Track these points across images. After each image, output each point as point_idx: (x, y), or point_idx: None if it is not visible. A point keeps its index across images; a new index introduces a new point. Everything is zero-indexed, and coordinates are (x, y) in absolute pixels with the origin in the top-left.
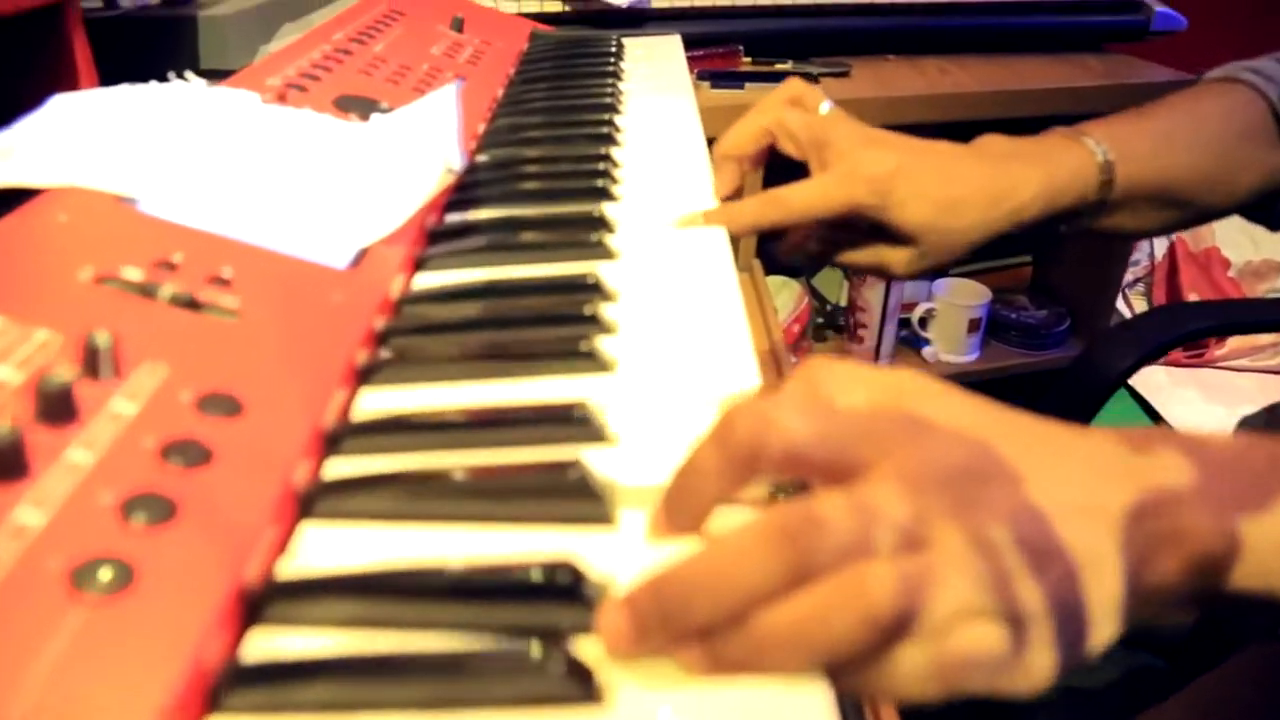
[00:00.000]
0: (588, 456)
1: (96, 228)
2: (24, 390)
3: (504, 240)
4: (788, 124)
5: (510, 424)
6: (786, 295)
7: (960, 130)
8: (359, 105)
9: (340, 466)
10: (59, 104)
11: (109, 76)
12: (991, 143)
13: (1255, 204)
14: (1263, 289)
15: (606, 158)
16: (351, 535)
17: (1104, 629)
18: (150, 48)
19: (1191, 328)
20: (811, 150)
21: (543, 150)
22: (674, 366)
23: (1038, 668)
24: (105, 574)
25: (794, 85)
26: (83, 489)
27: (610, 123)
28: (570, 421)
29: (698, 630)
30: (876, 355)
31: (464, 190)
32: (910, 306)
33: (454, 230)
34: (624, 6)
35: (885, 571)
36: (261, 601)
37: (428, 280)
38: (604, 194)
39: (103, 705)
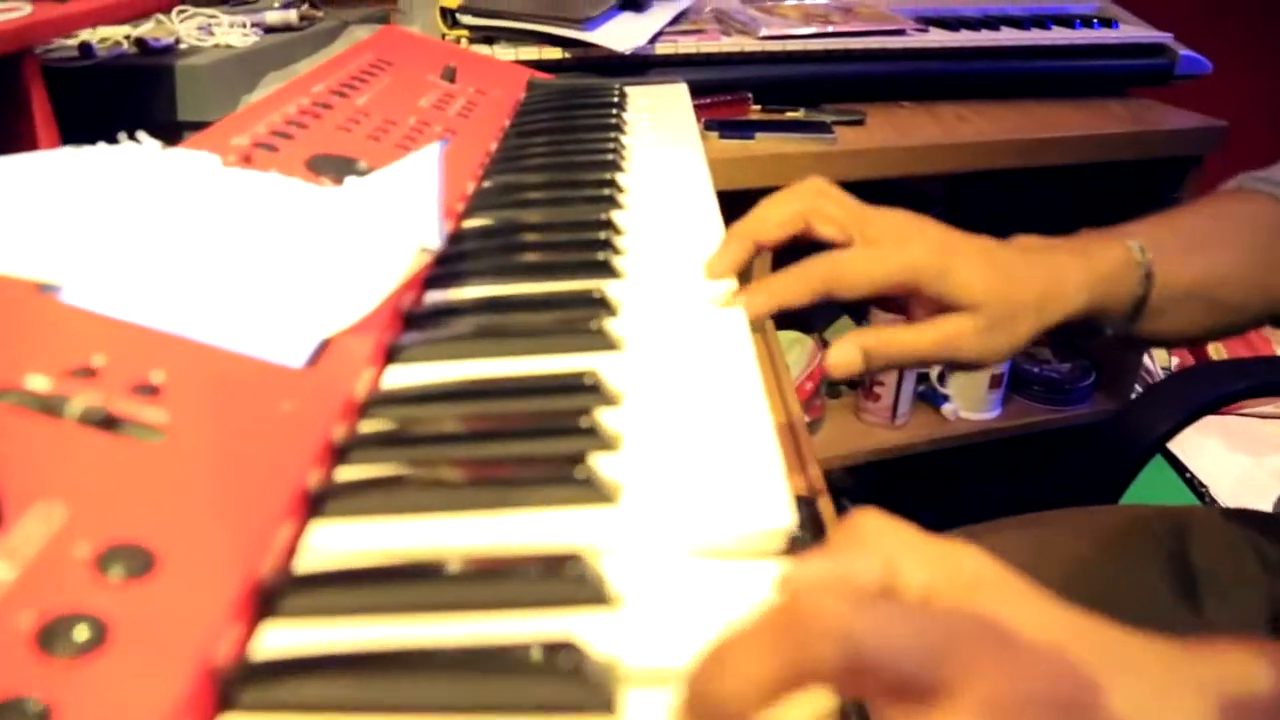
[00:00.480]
0: (585, 626)
1: (3, 324)
2: None
3: (492, 325)
4: (824, 208)
5: (497, 577)
6: (798, 351)
7: (982, 180)
8: (334, 166)
9: (277, 636)
10: None
11: (81, 129)
12: (1028, 240)
13: None
14: None
15: (608, 224)
16: None
17: None
18: (126, 98)
19: (1230, 389)
20: (855, 228)
21: (538, 215)
22: (687, 493)
23: None
24: None
25: (819, 181)
26: None
27: (613, 183)
28: (564, 577)
29: None
30: (894, 413)
31: (448, 263)
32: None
33: (434, 313)
34: (626, 53)
35: None
36: None
37: (401, 376)
38: (606, 268)
39: None
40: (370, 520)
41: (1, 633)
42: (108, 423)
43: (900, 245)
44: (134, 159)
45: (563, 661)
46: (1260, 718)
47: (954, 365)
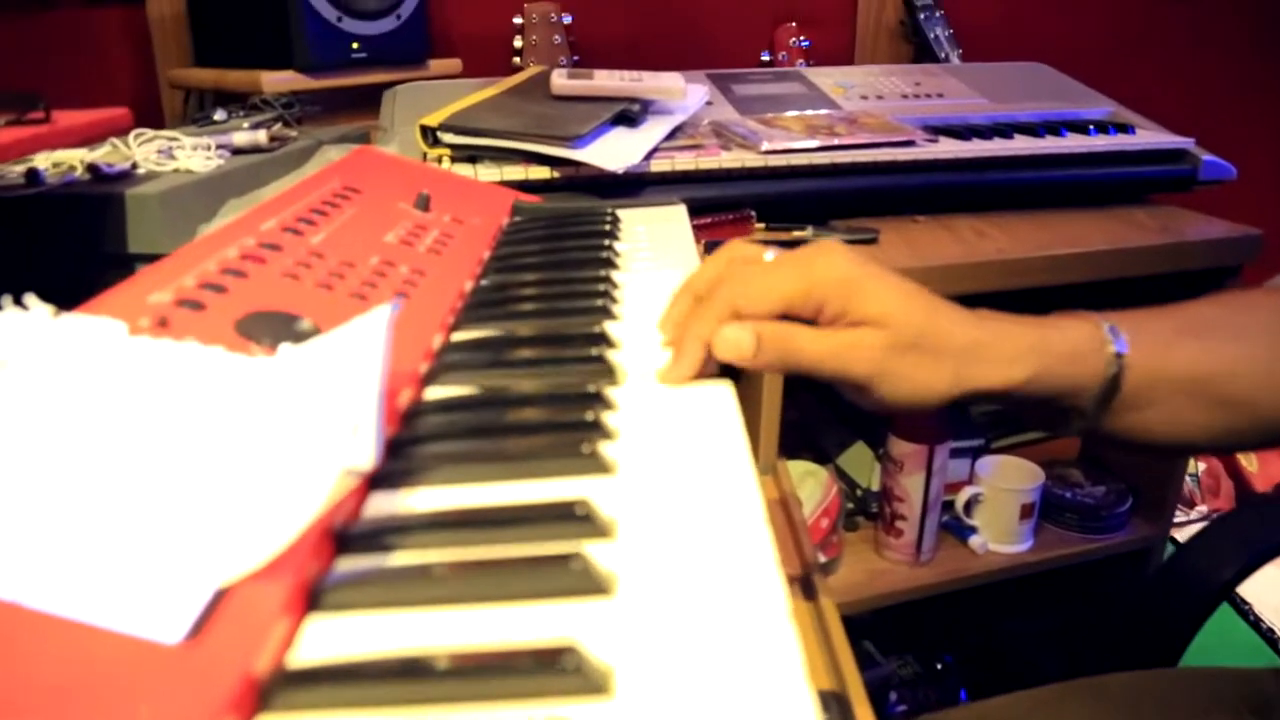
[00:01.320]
0: None
1: None
2: None
3: (456, 547)
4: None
5: None
6: (812, 485)
7: (1005, 299)
8: (270, 327)
9: None
10: None
11: (25, 264)
12: (987, 311)
13: None
14: None
15: (598, 398)
16: None
17: None
18: (72, 230)
19: None
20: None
21: (518, 382)
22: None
23: None
24: None
25: (732, 250)
26: None
27: (603, 338)
28: None
29: None
30: (918, 549)
31: (400, 456)
32: (954, 487)
33: (379, 532)
34: (619, 172)
35: None
36: None
37: (325, 637)
38: (595, 461)
39: None
40: None
41: None
42: None
43: (809, 263)
44: (13, 335)
45: None
46: None
47: (853, 393)
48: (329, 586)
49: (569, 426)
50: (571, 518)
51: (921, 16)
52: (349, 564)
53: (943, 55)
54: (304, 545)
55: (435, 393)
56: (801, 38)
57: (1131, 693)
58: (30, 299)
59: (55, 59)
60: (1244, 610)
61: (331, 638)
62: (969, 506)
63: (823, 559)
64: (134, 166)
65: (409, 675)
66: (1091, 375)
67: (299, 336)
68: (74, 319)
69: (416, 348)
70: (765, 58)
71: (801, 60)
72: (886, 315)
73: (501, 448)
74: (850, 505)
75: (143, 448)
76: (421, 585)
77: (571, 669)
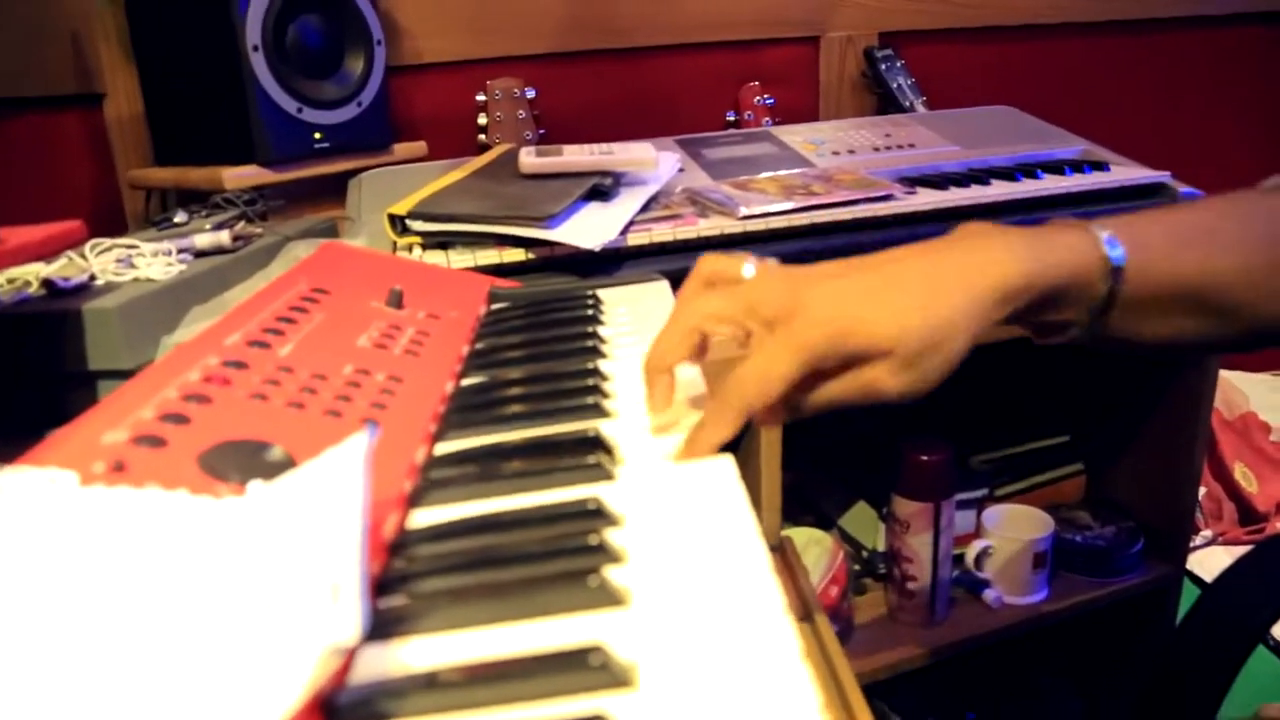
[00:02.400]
0: None
1: None
2: None
3: (461, 700)
4: (713, 311)
5: None
6: (817, 552)
7: (996, 353)
8: (238, 461)
9: None
10: None
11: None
12: (970, 226)
13: None
14: None
15: (599, 513)
16: None
17: None
18: (30, 350)
19: None
20: (747, 317)
21: (512, 499)
22: None
23: None
24: None
25: (705, 264)
26: None
27: (598, 442)
28: None
29: None
30: (932, 610)
31: (388, 593)
32: (962, 540)
33: (363, 703)
34: (596, 250)
35: None
36: None
37: None
38: (604, 594)
39: None
40: None
41: None
42: None
43: (797, 331)
44: None
45: None
46: None
47: (874, 398)
48: None
49: (573, 552)
50: (586, 667)
51: (883, 67)
52: None
53: (907, 104)
54: None
55: (422, 516)
56: (766, 96)
57: None
58: None
59: (15, 164)
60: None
61: None
62: (980, 560)
63: (835, 628)
64: (92, 278)
65: None
66: (1089, 286)
67: (270, 469)
68: (17, 473)
69: (399, 465)
70: (731, 118)
71: (767, 119)
72: (891, 349)
73: (501, 580)
74: (857, 568)
75: (98, 625)
76: None
77: None
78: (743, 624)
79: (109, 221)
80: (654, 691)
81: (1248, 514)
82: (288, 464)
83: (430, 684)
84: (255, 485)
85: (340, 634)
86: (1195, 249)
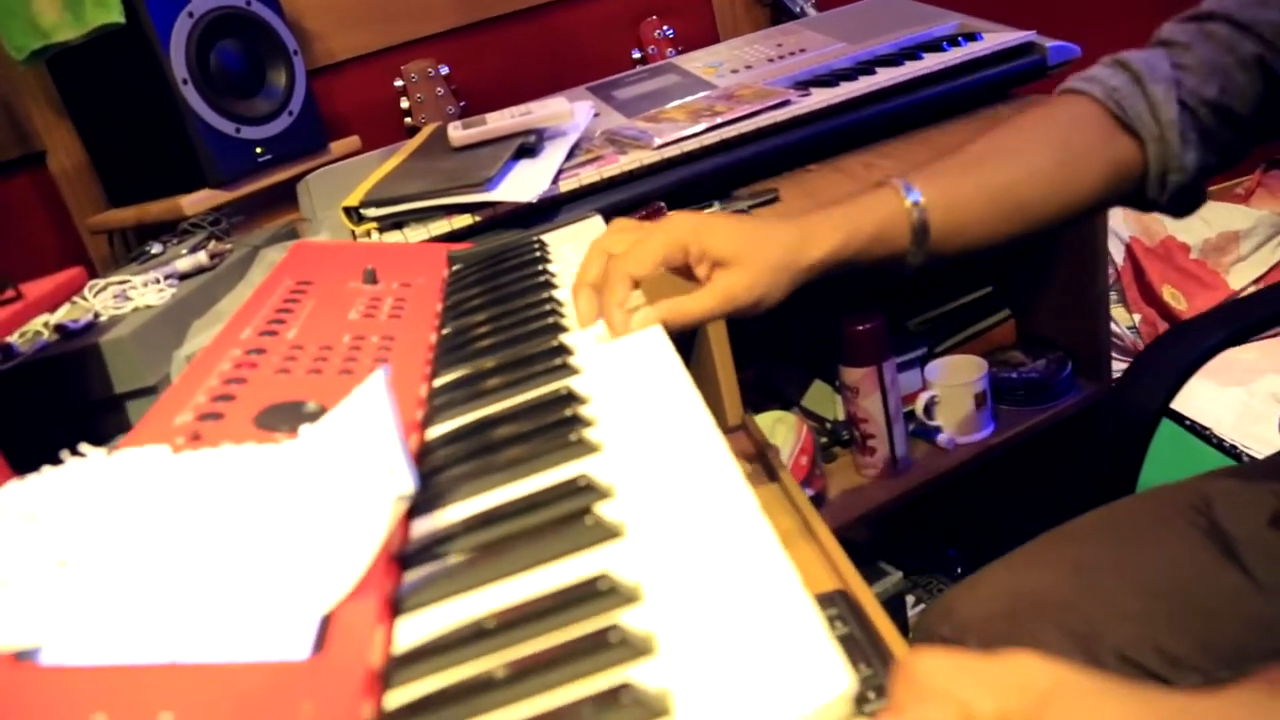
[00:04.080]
0: None
1: None
2: None
3: (485, 542)
4: (616, 238)
5: None
6: (784, 430)
7: None
8: (284, 417)
9: None
10: None
11: (23, 428)
12: (812, 214)
13: (1129, 194)
14: (1227, 261)
15: (571, 397)
16: None
17: None
18: (60, 388)
19: (1211, 343)
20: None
21: (501, 404)
22: (736, 687)
23: None
24: None
25: (613, 227)
26: None
27: (562, 348)
28: None
29: None
30: (894, 461)
31: (423, 485)
32: (911, 397)
33: (427, 545)
34: (533, 201)
35: None
36: None
37: (414, 629)
38: (582, 446)
39: None
40: None
41: None
42: None
43: (663, 225)
44: (82, 476)
45: None
46: None
47: (741, 314)
48: (405, 594)
49: (553, 426)
50: (576, 491)
51: None
52: (414, 575)
53: (798, 9)
54: (377, 568)
55: (435, 431)
56: (665, 28)
57: (1096, 528)
58: (84, 447)
59: None
60: (1189, 425)
61: (419, 628)
62: (929, 409)
63: (810, 493)
64: (96, 316)
65: (485, 637)
66: (903, 222)
67: (311, 417)
68: (124, 452)
69: (409, 398)
70: (637, 55)
71: (670, 49)
72: (735, 253)
73: (498, 461)
74: (824, 440)
75: (233, 523)
76: (470, 574)
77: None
78: (684, 442)
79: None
80: (626, 506)
81: None
82: (322, 413)
83: (465, 530)
84: (304, 429)
85: (403, 488)
86: (987, 165)
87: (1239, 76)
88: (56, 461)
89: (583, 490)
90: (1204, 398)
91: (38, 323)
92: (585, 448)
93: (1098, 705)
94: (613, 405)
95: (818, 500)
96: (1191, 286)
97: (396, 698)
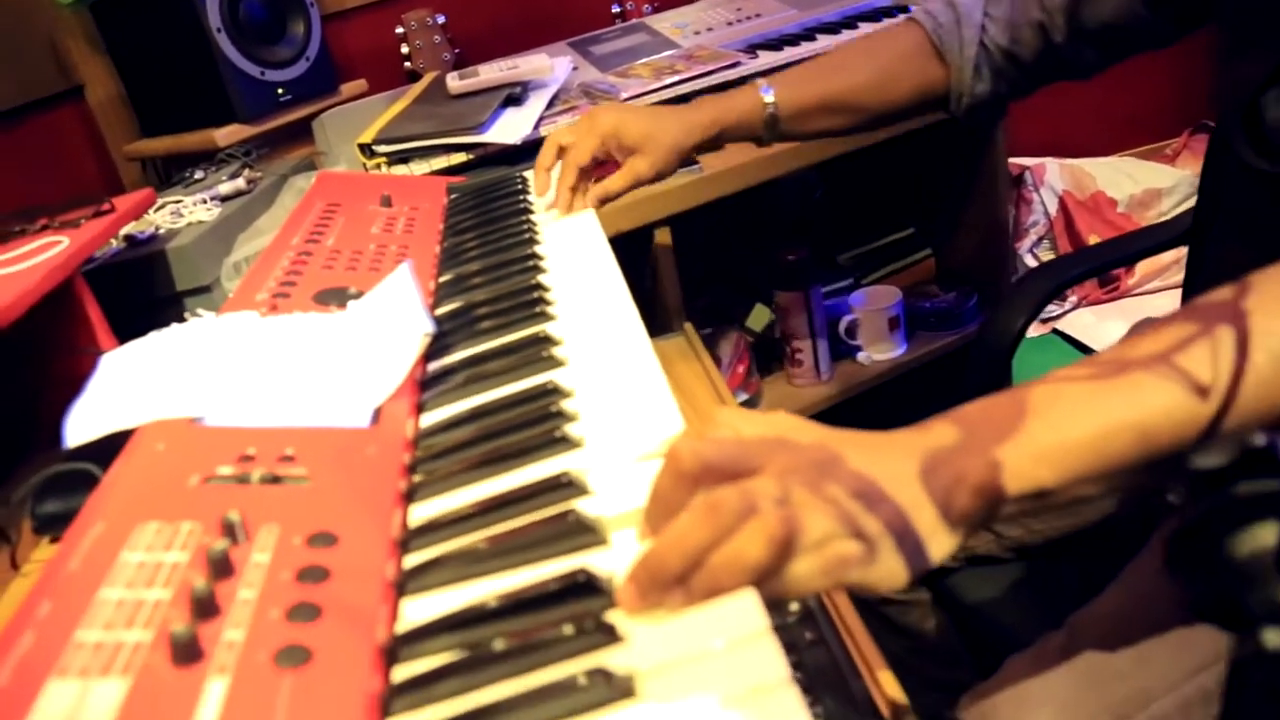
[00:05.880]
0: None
1: (184, 446)
2: (194, 562)
3: (475, 374)
4: (563, 132)
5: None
6: (725, 345)
7: (848, 159)
8: (334, 296)
9: (410, 559)
10: (109, 361)
11: (113, 309)
12: (701, 100)
13: (936, 106)
14: (1151, 215)
15: (539, 286)
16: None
17: (937, 543)
18: (135, 285)
19: (1064, 279)
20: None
21: (486, 294)
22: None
23: (890, 568)
24: (291, 656)
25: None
26: (256, 615)
27: (534, 255)
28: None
29: (676, 579)
30: (818, 371)
31: (435, 339)
32: (837, 322)
33: (436, 376)
34: (518, 143)
35: (769, 517)
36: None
37: (430, 419)
38: (543, 316)
39: None
40: (431, 501)
41: (273, 585)
42: (275, 480)
43: (595, 128)
44: (204, 328)
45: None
46: (943, 456)
47: (646, 184)
48: (425, 400)
49: (524, 305)
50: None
51: None
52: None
53: None
54: (409, 384)
55: (440, 310)
56: None
57: None
58: (202, 310)
59: (34, 159)
60: (1072, 341)
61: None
62: (850, 330)
63: (745, 396)
64: (157, 229)
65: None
66: (760, 116)
67: (354, 297)
68: (228, 315)
69: (426, 284)
70: (616, 10)
71: (647, 5)
72: (640, 142)
73: (483, 325)
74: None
75: (315, 352)
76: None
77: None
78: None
79: (112, 189)
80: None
81: (1105, 279)
82: (360, 295)
83: (460, 366)
84: (351, 304)
85: (426, 329)
86: (829, 75)
87: (1026, 33)
88: None
89: (543, 341)
90: (1113, 335)
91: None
92: (544, 317)
93: (806, 426)
94: (566, 292)
95: (752, 404)
96: (1105, 231)
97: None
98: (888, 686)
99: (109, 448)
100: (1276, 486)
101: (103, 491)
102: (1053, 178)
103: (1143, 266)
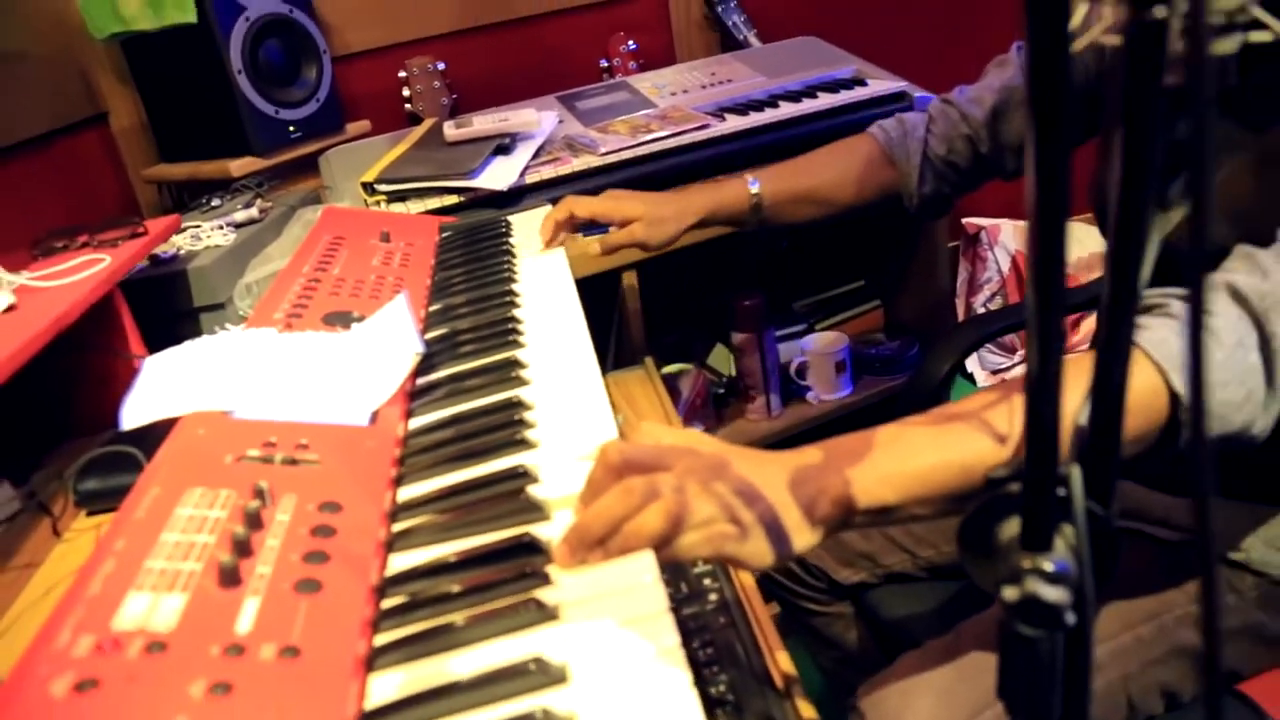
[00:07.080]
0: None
1: (220, 432)
2: (232, 517)
3: (455, 388)
4: (575, 199)
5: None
6: (685, 379)
7: (810, 231)
8: (340, 319)
9: (397, 526)
10: (152, 363)
11: (139, 318)
12: (691, 187)
13: (890, 204)
14: (1093, 277)
15: (513, 320)
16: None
17: (800, 537)
18: (158, 300)
19: (987, 331)
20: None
21: (468, 323)
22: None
23: (759, 549)
24: (307, 586)
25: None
26: (280, 556)
27: (511, 293)
28: (516, 477)
29: (597, 541)
30: (769, 408)
31: (424, 358)
32: (788, 365)
33: (424, 388)
34: (505, 190)
35: (668, 500)
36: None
37: (417, 422)
38: (515, 364)
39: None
40: (420, 481)
41: (294, 537)
42: (293, 462)
43: (606, 194)
44: (232, 340)
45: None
46: (810, 473)
47: (641, 247)
48: (414, 407)
49: (500, 334)
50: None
51: (719, 9)
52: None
53: (741, 38)
54: (401, 391)
55: (429, 335)
56: (630, 43)
57: None
58: (229, 326)
59: (58, 179)
60: None
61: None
62: (800, 371)
63: (701, 426)
64: (178, 250)
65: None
66: (745, 206)
67: (358, 320)
68: (250, 330)
69: (418, 310)
70: (604, 65)
71: (632, 62)
72: (638, 215)
73: (465, 339)
74: (720, 391)
75: (323, 363)
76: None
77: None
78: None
79: (129, 212)
80: (541, 407)
81: None
82: (363, 319)
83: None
84: (355, 325)
85: (417, 349)
86: (804, 172)
87: (959, 144)
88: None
89: (512, 364)
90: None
91: None
92: (516, 344)
93: (710, 441)
94: (536, 319)
95: (709, 433)
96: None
97: (409, 448)
98: (784, 664)
99: (143, 436)
100: (1018, 489)
101: (156, 464)
102: (1006, 238)
103: (1087, 325)
